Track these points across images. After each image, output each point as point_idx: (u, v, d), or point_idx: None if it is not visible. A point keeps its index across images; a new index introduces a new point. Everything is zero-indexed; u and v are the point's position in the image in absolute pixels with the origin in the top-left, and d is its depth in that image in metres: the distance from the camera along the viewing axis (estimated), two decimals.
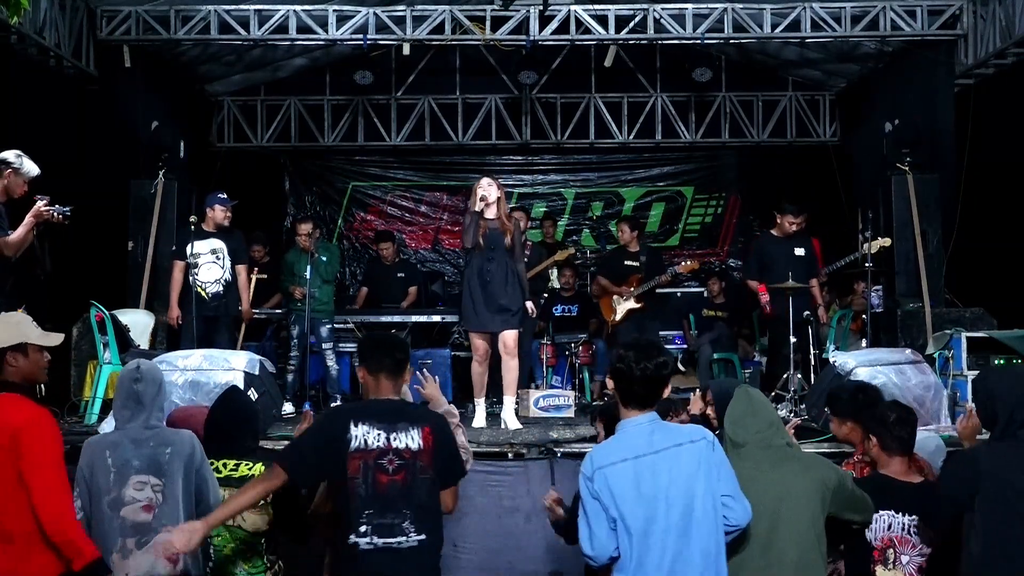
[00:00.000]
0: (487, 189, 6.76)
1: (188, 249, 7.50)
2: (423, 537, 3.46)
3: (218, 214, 7.60)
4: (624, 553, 3.24)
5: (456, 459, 3.70)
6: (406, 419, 3.54)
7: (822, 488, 3.52)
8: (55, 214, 5.82)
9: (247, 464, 3.98)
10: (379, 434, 3.48)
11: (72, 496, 3.58)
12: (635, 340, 3.68)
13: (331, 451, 3.48)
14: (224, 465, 4.00)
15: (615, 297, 8.61)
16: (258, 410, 4.42)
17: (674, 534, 3.21)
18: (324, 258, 8.21)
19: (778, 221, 7.98)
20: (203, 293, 7.55)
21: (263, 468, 3.86)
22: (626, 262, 8.73)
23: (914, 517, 3.83)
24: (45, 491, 3.41)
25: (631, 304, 8.51)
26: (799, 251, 7.86)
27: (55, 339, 3.76)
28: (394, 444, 3.48)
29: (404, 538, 3.42)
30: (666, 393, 3.43)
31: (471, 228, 6.69)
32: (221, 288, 7.56)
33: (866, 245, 7.85)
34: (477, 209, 6.68)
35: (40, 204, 5.80)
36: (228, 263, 7.60)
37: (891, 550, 3.82)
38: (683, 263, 9.03)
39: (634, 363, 3.33)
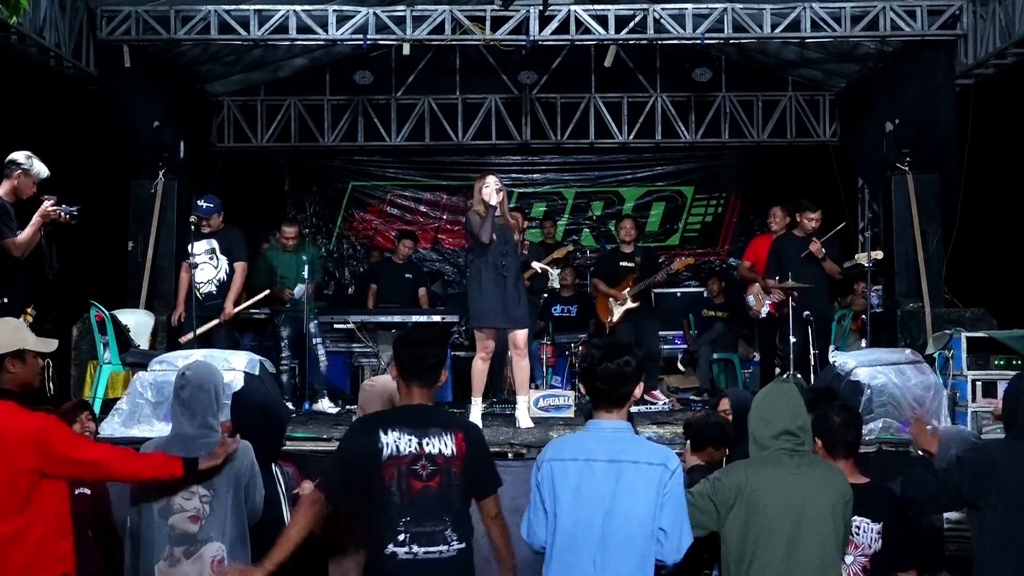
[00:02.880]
0: (497, 185, 6.71)
1: (188, 250, 7.55)
2: (463, 545, 3.40)
3: (199, 219, 7.63)
4: (548, 547, 3.29)
5: (492, 468, 3.58)
6: (438, 424, 3.45)
7: (842, 497, 3.52)
8: (62, 214, 5.85)
9: None
10: (410, 439, 3.38)
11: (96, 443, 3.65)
12: (603, 340, 3.67)
13: (361, 464, 3.39)
14: None
15: (610, 300, 8.62)
16: (272, 411, 4.42)
17: (604, 548, 3.20)
18: (304, 257, 8.21)
19: (798, 220, 7.95)
20: (197, 294, 7.57)
21: None
22: (621, 263, 8.71)
23: (856, 518, 3.81)
24: (101, 464, 3.49)
25: (627, 304, 8.51)
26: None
27: (51, 345, 3.75)
28: (426, 449, 3.38)
29: (446, 547, 3.35)
30: (637, 393, 3.40)
31: (488, 224, 6.61)
32: (214, 288, 7.55)
33: (858, 256, 7.87)
34: (494, 203, 6.62)
35: (47, 204, 5.82)
36: (223, 262, 7.59)
37: None
38: (677, 260, 9.05)
39: (597, 363, 3.32)
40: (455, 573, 3.39)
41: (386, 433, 3.39)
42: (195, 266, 7.57)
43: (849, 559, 3.80)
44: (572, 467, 3.28)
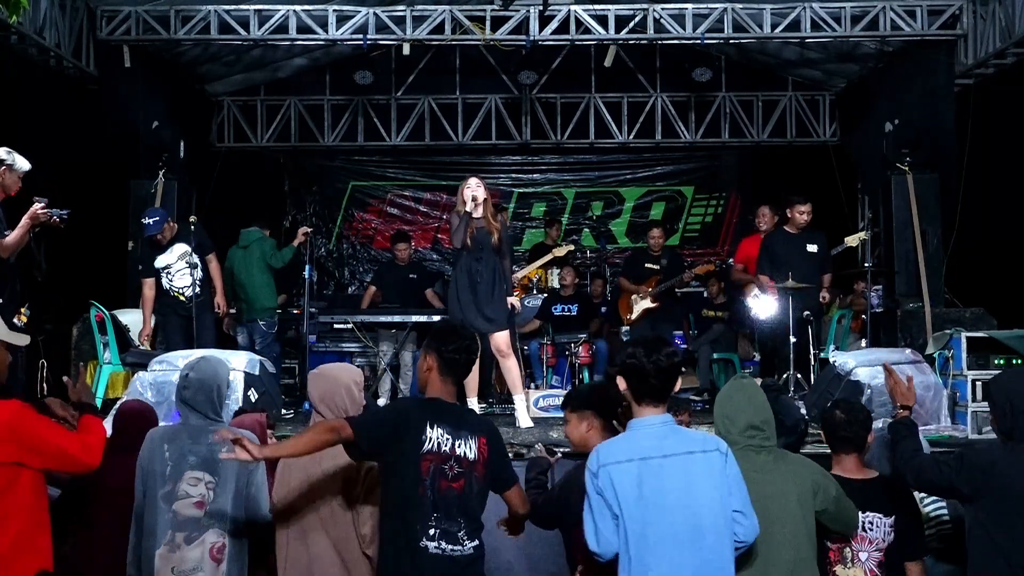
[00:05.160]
0: (476, 190, 6.64)
1: (156, 263, 7.44)
2: (476, 544, 3.49)
3: (154, 236, 7.50)
4: (622, 553, 3.22)
5: (508, 464, 3.71)
6: (467, 427, 3.53)
7: (812, 490, 3.52)
8: (53, 217, 5.79)
9: None
10: (448, 439, 3.45)
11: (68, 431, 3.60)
12: (640, 337, 3.66)
13: (402, 439, 3.42)
14: None
15: (633, 296, 8.70)
16: None
17: (678, 543, 3.17)
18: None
19: (789, 216, 7.91)
20: (182, 298, 7.48)
21: None
22: (646, 264, 8.85)
23: (868, 514, 3.81)
24: (76, 455, 3.45)
25: (647, 303, 8.60)
26: (811, 247, 7.81)
27: (23, 339, 3.72)
28: (457, 451, 3.46)
29: (462, 547, 3.43)
30: (677, 386, 3.41)
31: (461, 229, 6.60)
32: (198, 288, 7.43)
33: (847, 238, 8.03)
34: (468, 210, 6.60)
35: (37, 206, 5.76)
36: (197, 259, 7.47)
37: (848, 548, 3.81)
38: (699, 266, 9.12)
39: (645, 357, 3.31)
40: (476, 570, 3.48)
41: (432, 428, 3.45)
42: (170, 275, 7.46)
43: (864, 555, 3.80)
44: (630, 468, 3.22)
